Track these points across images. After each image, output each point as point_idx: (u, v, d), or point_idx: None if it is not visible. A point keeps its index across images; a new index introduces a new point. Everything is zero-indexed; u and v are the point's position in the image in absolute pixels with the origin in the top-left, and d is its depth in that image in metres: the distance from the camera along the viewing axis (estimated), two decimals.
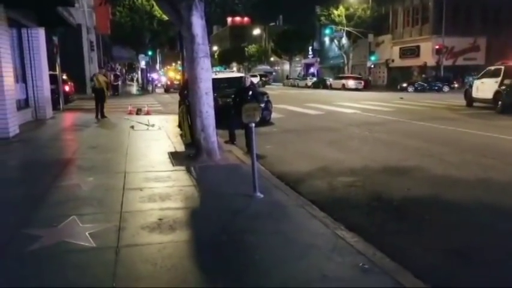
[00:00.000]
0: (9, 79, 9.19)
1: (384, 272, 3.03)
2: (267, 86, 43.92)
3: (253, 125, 4.89)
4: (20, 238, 3.54)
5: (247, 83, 8.33)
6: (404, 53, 38.48)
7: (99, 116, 12.92)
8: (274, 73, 62.16)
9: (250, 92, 8.09)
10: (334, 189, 5.60)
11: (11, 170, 6.35)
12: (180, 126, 10.39)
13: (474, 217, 4.51)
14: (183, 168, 6.19)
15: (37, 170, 6.25)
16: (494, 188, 5.54)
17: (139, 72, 41.13)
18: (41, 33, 12.47)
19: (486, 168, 6.56)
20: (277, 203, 4.59)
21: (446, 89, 30.22)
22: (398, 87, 32.27)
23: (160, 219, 4.01)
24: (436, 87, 30.28)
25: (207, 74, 6.68)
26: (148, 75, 40.38)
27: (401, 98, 22.54)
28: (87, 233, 3.61)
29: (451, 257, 3.54)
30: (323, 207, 4.54)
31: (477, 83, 16.44)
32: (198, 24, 6.49)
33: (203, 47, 6.58)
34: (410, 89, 30.91)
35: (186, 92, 8.83)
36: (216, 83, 8.85)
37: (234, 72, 22.99)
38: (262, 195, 4.71)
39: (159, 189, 5.08)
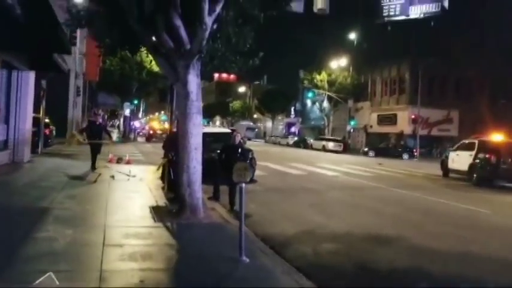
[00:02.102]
0: None
1: None
2: (248, 142, 44.46)
3: (244, 185, 4.88)
4: None
5: (237, 141, 8.40)
6: (382, 120, 40.12)
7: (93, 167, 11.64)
8: (256, 129, 63.27)
9: (240, 150, 8.16)
10: (319, 255, 5.55)
11: None
12: (162, 178, 10.28)
13: None
14: (165, 225, 6.02)
15: (12, 217, 5.95)
16: (474, 262, 5.62)
17: (121, 119, 41.13)
18: (31, 76, 12.51)
19: (465, 241, 6.70)
20: (263, 269, 4.48)
21: (405, 156, 31.73)
22: (361, 151, 34.37)
23: (141, 281, 3.83)
24: (396, 154, 31.85)
25: (198, 129, 6.76)
26: (132, 123, 40.39)
27: (380, 163, 23.11)
28: None
29: None
30: (309, 274, 4.46)
31: (453, 155, 17.11)
32: (193, 82, 6.68)
33: (197, 104, 6.72)
34: (371, 153, 32.58)
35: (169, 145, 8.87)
36: (203, 137, 8.92)
37: (220, 127, 23.32)
38: (247, 260, 4.60)
39: (140, 247, 4.90)
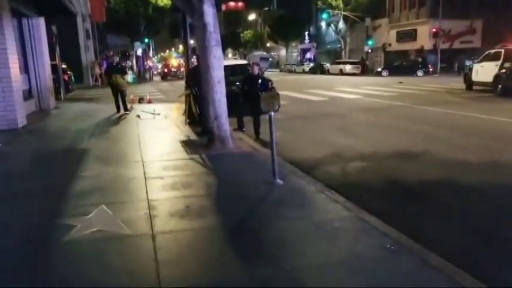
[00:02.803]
0: (15, 70, 9.17)
1: (410, 252, 3.17)
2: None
3: (273, 113, 4.97)
4: (57, 228, 3.63)
5: (256, 71, 8.37)
6: (402, 37, 38.37)
7: (122, 110, 11.66)
8: (270, 59, 61.81)
9: (260, 80, 8.14)
10: (348, 174, 5.74)
11: (28, 161, 6.40)
12: (185, 113, 10.47)
13: (487, 198, 4.67)
14: (198, 156, 6.28)
15: (54, 160, 6.33)
16: (503, 170, 5.70)
17: (133, 60, 40.73)
18: (41, 22, 12.36)
19: (493, 151, 6.75)
20: (297, 189, 4.71)
21: (420, 73, 30.78)
22: (374, 71, 33.54)
23: (187, 206, 4.12)
24: (411, 71, 30.97)
25: (219, 62, 6.72)
26: (145, 63, 40.05)
27: (401, 82, 22.64)
28: (119, 221, 3.72)
29: (470, 237, 3.70)
30: (340, 192, 4.66)
31: (477, 67, 16.55)
32: (209, 12, 6.50)
33: (215, 36, 6.60)
34: (384, 73, 31.84)
35: (192, 81, 8.89)
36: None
37: (236, 59, 22.97)
38: (281, 182, 4.83)
39: (179, 177, 5.19)
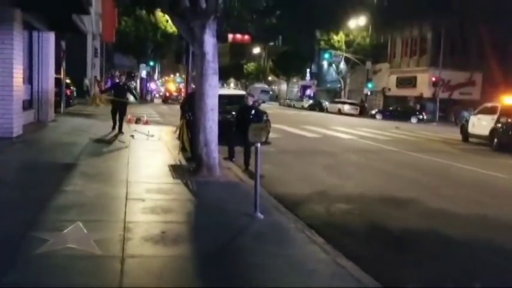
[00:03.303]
0: (18, 80, 9.28)
1: None
2: (262, 105, 44.36)
3: (259, 145, 5.01)
4: (28, 240, 3.59)
5: (250, 102, 8.50)
6: (401, 83, 39.16)
7: (116, 129, 11.33)
8: (271, 92, 62.72)
9: (253, 111, 8.25)
10: (332, 215, 5.71)
11: (15, 171, 6.39)
12: (180, 138, 10.51)
13: (472, 253, 4.60)
14: (183, 181, 6.26)
15: (41, 172, 6.30)
16: (491, 226, 5.65)
17: (137, 81, 41.34)
18: (51, 37, 12.64)
19: (483, 205, 6.70)
20: (277, 225, 4.67)
21: (414, 120, 31.17)
22: (369, 114, 34.26)
23: (163, 232, 4.07)
24: (404, 117, 31.60)
25: (214, 90, 6.84)
26: (148, 85, 40.60)
27: (397, 127, 22.88)
28: (92, 240, 3.66)
29: None
30: (321, 232, 4.59)
31: (473, 119, 16.77)
32: (209, 42, 6.68)
33: (213, 65, 6.76)
34: (378, 116, 32.46)
35: (187, 106, 8.99)
36: (218, 99, 9.02)
37: (234, 89, 23.30)
38: (262, 216, 4.80)
39: (161, 201, 5.15)
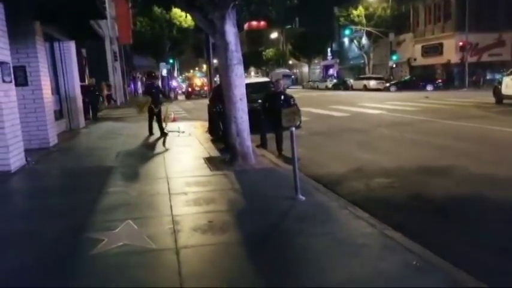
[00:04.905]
0: (47, 91, 9.61)
1: (436, 269, 3.09)
2: (287, 90, 44.08)
3: (294, 129, 5.00)
4: (84, 241, 3.75)
5: (280, 88, 8.44)
6: (427, 51, 37.87)
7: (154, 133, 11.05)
8: (293, 76, 62.15)
9: (283, 97, 8.21)
10: (372, 190, 5.66)
11: (58, 178, 6.66)
12: (210, 132, 10.63)
13: None
14: (220, 172, 6.35)
15: (83, 177, 6.53)
16: None
17: (159, 80, 41.93)
18: (72, 46, 12.97)
19: None
20: (319, 205, 4.68)
21: (430, 87, 30.25)
22: (382, 87, 33.73)
23: (210, 221, 4.17)
24: (419, 86, 30.83)
25: (241, 80, 6.85)
26: (170, 82, 41.09)
27: (427, 97, 22.26)
28: (145, 236, 3.79)
29: (499, 255, 3.57)
30: (365, 208, 4.60)
31: (507, 80, 16.11)
32: (231, 32, 6.67)
33: (236, 54, 6.75)
34: (392, 88, 31.94)
35: (216, 99, 9.05)
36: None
37: (257, 77, 23.23)
38: (304, 198, 4.82)
39: (202, 193, 5.25)
